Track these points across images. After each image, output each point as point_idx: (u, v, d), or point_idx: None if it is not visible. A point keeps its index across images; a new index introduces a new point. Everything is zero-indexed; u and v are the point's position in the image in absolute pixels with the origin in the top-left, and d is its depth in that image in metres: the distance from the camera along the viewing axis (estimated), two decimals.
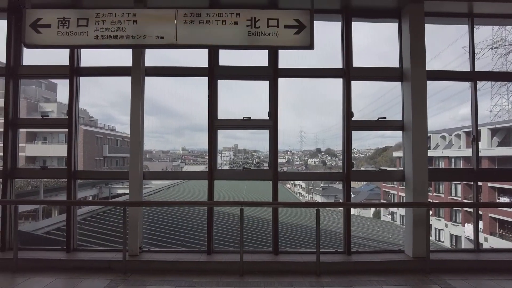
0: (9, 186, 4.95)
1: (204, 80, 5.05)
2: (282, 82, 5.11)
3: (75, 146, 4.99)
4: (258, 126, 5.12)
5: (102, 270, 4.51)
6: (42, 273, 4.41)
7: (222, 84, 5.16)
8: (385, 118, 5.15)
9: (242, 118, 5.01)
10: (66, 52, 5.00)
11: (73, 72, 5.00)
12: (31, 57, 5.23)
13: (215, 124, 5.01)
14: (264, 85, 5.35)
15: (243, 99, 5.73)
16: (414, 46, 4.91)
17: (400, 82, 5.18)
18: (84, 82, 5.18)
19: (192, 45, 4.29)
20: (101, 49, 4.40)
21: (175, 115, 5.14)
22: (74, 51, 5.00)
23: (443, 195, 18.15)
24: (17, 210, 4.53)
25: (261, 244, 6.29)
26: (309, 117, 5.07)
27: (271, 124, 4.98)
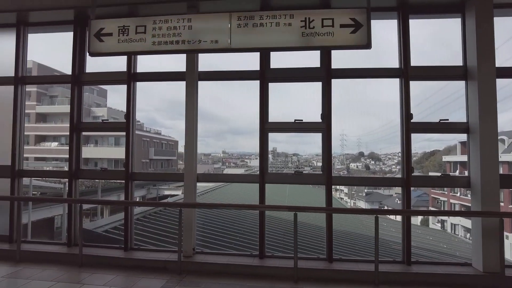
0: (74, 186, 5.27)
1: (244, 84, 5.06)
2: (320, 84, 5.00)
3: (132, 149, 5.20)
4: (310, 129, 5.00)
5: (158, 270, 4.64)
6: (103, 270, 4.64)
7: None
8: (447, 120, 4.80)
9: (293, 121, 4.93)
10: (115, 59, 5.23)
11: (130, 77, 5.23)
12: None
13: (266, 127, 4.97)
14: (311, 86, 5.26)
15: (288, 101, 5.66)
16: (481, 41, 4.54)
17: (464, 81, 4.82)
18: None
19: (246, 49, 4.31)
20: (158, 54, 4.58)
21: (215, 119, 5.20)
22: (132, 57, 5.23)
23: (502, 203, 16.69)
24: (82, 209, 4.81)
25: (309, 251, 6.15)
26: (351, 119, 4.89)
27: (324, 127, 4.85)
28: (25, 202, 7.61)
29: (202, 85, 5.25)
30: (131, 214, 5.18)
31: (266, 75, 5.01)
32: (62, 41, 5.94)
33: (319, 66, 5.03)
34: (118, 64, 5.35)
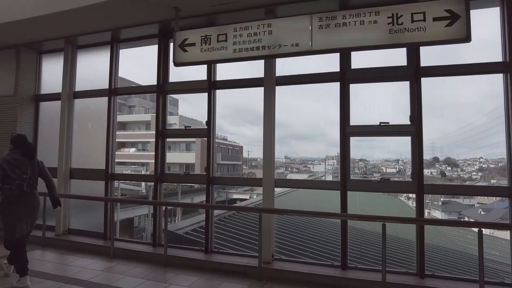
0: (159, 189, 5.60)
1: (307, 88, 4.87)
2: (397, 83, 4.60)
3: (213, 154, 5.35)
4: (398, 132, 4.62)
5: (237, 275, 4.65)
6: (186, 271, 4.80)
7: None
8: None
9: (378, 124, 4.62)
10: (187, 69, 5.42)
11: (211, 85, 5.40)
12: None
13: (347, 131, 4.73)
14: (389, 86, 4.90)
15: (367, 103, 5.33)
16: None
17: None
18: (196, 97, 5.62)
19: (328, 50, 4.17)
20: (239, 62, 4.66)
21: (278, 124, 5.10)
22: (211, 66, 5.40)
23: None
24: (167, 211, 5.06)
25: (393, 264, 5.71)
26: (425, 121, 4.39)
27: (413, 130, 4.44)
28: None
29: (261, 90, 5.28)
30: (211, 217, 5.32)
31: (346, 76, 4.79)
32: (141, 55, 6.45)
33: (405, 64, 4.65)
34: (191, 74, 5.58)
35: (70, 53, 6.40)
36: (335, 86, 4.85)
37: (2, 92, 6.63)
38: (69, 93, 6.41)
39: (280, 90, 5.09)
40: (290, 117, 5.87)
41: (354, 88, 4.87)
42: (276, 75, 5.08)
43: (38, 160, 4.31)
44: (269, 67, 5.00)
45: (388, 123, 4.58)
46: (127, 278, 4.50)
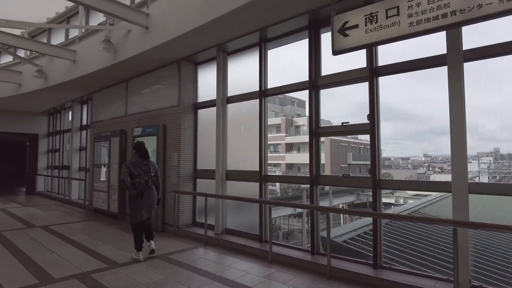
0: (315, 192, 5.17)
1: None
2: None
3: (378, 152, 4.58)
4: None
5: None
6: (351, 286, 4.18)
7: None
8: None
9: None
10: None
11: (373, 72, 4.65)
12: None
13: None
14: None
15: None
16: None
17: None
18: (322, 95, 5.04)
19: None
20: (414, 38, 3.78)
21: (412, 118, 3.89)
22: (373, 50, 4.65)
23: None
24: (330, 218, 4.55)
25: None
26: None
27: None
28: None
29: (394, 79, 4.25)
30: (379, 226, 4.55)
31: None
32: (285, 54, 6.18)
33: None
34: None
35: (222, 60, 6.69)
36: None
37: (169, 103, 7.47)
38: (223, 99, 6.69)
39: (414, 79, 3.99)
40: (430, 109, 4.71)
41: None
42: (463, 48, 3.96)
43: (154, 163, 5.48)
44: (455, 40, 3.93)
45: None
46: None
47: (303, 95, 5.54)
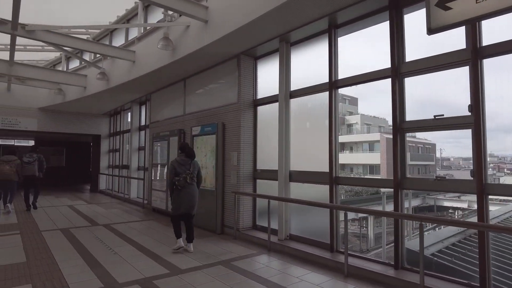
0: (400, 197, 4.45)
1: None
2: None
3: (484, 151, 3.75)
4: None
5: None
6: None
7: None
8: None
9: None
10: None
11: (476, 54, 3.83)
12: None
13: None
14: None
15: None
16: None
17: None
18: (374, 93, 4.24)
19: None
20: None
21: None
22: (476, 26, 3.84)
23: None
24: (422, 228, 3.81)
25: None
26: None
27: None
28: None
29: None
30: (487, 241, 3.71)
31: None
32: (355, 41, 5.47)
33: None
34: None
35: (285, 52, 6.19)
36: None
37: (228, 101, 7.15)
38: (286, 94, 6.19)
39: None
40: (493, 105, 3.84)
41: None
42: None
43: (197, 162, 5.75)
44: None
45: None
46: None
47: (369, 88, 4.83)
